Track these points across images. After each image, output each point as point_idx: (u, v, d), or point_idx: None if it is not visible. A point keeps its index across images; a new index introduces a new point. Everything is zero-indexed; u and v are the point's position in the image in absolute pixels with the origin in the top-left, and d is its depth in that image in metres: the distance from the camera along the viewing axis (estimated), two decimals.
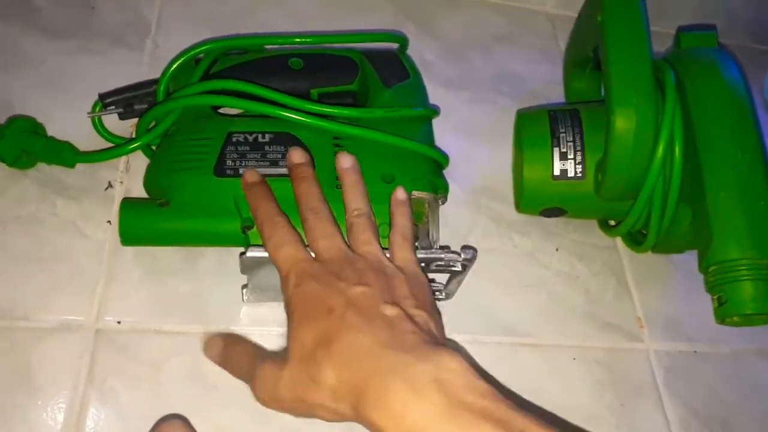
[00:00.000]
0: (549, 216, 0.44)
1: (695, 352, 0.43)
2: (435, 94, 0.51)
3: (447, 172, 0.46)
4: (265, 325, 0.39)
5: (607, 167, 0.39)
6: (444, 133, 0.49)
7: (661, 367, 0.42)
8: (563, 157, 0.41)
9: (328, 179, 0.38)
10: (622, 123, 0.37)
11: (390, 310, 0.31)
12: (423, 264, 0.36)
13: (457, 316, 0.41)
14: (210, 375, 0.37)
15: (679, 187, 0.39)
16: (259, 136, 0.39)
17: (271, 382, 0.31)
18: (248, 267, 0.36)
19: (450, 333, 0.41)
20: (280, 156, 0.39)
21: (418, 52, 0.54)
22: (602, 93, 0.49)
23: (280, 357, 0.32)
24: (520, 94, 0.53)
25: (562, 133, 0.42)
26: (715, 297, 0.36)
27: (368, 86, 0.43)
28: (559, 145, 0.42)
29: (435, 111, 0.44)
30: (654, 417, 0.40)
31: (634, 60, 0.38)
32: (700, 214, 0.37)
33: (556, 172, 0.42)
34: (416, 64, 0.50)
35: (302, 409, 0.31)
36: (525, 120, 0.44)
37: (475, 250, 0.37)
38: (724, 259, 0.35)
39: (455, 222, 0.46)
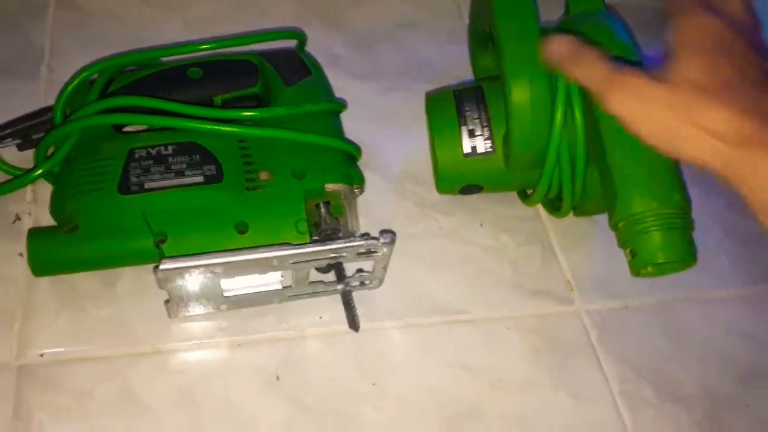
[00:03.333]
0: (468, 193, 0.45)
1: (626, 307, 0.44)
2: (347, 87, 0.51)
3: (367, 163, 0.46)
4: (195, 338, 0.38)
5: (511, 140, 0.39)
6: (360, 125, 0.49)
7: (594, 327, 0.43)
8: (471, 134, 0.42)
9: (237, 184, 0.38)
10: (518, 95, 0.38)
11: None
12: (345, 254, 0.36)
13: (389, 302, 0.41)
14: (142, 396, 0.36)
15: (584, 150, 0.40)
16: (162, 148, 0.38)
17: (640, 96, 0.31)
18: (165, 280, 0.35)
19: (383, 319, 0.41)
20: (185, 166, 0.38)
21: (326, 47, 0.54)
22: None
23: (653, 75, 0.31)
24: (433, 77, 0.53)
25: (468, 111, 0.42)
26: (627, 251, 0.37)
27: (270, 87, 0.43)
28: (466, 124, 0.42)
29: (340, 104, 0.44)
30: (592, 375, 0.41)
31: (522, 32, 0.38)
32: (603, 173, 0.38)
33: (466, 149, 0.42)
34: (325, 58, 0.50)
35: (665, 136, 0.31)
36: (432, 102, 0.44)
37: (393, 233, 0.37)
38: (630, 214, 0.36)
39: (379, 211, 0.46)
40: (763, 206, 0.29)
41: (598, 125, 0.38)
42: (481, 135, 0.42)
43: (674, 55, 0.32)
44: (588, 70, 0.34)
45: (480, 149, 0.42)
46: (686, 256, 0.36)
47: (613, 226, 0.37)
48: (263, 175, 0.38)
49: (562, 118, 0.39)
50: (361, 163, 0.45)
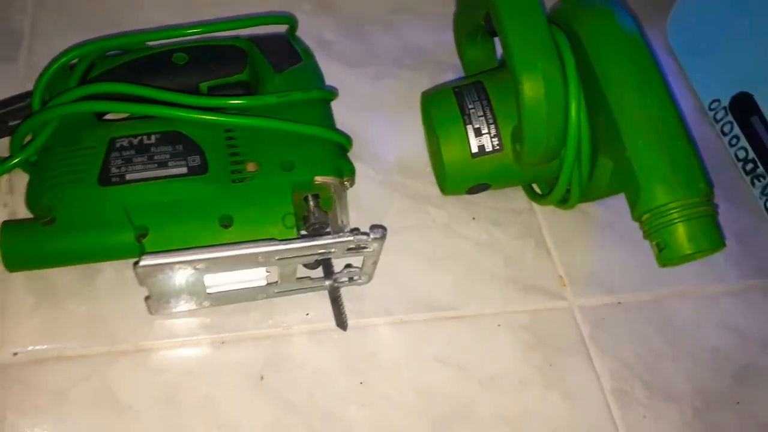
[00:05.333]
0: (475, 192, 0.44)
1: (619, 303, 0.43)
2: (337, 74, 0.50)
3: (358, 154, 0.45)
4: (177, 336, 0.37)
5: (524, 137, 0.38)
6: (350, 114, 0.48)
7: (587, 323, 0.42)
8: (478, 132, 0.40)
9: (222, 176, 0.36)
10: (531, 90, 0.36)
11: None
12: (334, 250, 0.35)
13: (380, 299, 0.40)
14: (121, 396, 0.35)
15: (589, 141, 0.39)
16: (145, 138, 0.37)
17: None
18: (146, 276, 0.34)
19: (371, 316, 0.40)
20: (168, 156, 0.37)
21: (317, 31, 0.52)
22: (498, 59, 0.49)
23: None
24: (425, 65, 0.52)
25: (471, 108, 0.41)
26: (654, 243, 0.36)
27: (259, 74, 0.41)
28: (471, 122, 0.41)
29: (331, 92, 0.43)
30: (584, 373, 0.40)
31: (530, 22, 0.37)
32: (622, 165, 0.37)
33: (474, 149, 0.41)
34: (316, 44, 0.49)
35: None
36: (431, 102, 0.43)
37: (384, 228, 0.36)
38: (655, 206, 0.35)
39: (370, 203, 0.45)
40: None
41: (613, 116, 0.36)
42: (487, 133, 0.40)
43: None
44: None
45: (488, 148, 0.41)
46: (715, 244, 0.35)
47: (637, 218, 0.36)
48: (250, 167, 0.37)
49: (577, 110, 0.37)
50: (352, 154, 0.44)
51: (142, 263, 0.33)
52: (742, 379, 0.42)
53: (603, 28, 0.38)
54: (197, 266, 0.33)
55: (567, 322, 0.42)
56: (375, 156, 0.47)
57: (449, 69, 0.52)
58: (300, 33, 0.48)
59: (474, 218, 0.45)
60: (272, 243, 0.34)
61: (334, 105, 0.45)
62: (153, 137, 0.37)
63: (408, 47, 0.53)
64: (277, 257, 0.34)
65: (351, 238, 0.35)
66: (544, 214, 0.46)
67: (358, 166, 0.45)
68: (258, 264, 0.35)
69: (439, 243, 0.44)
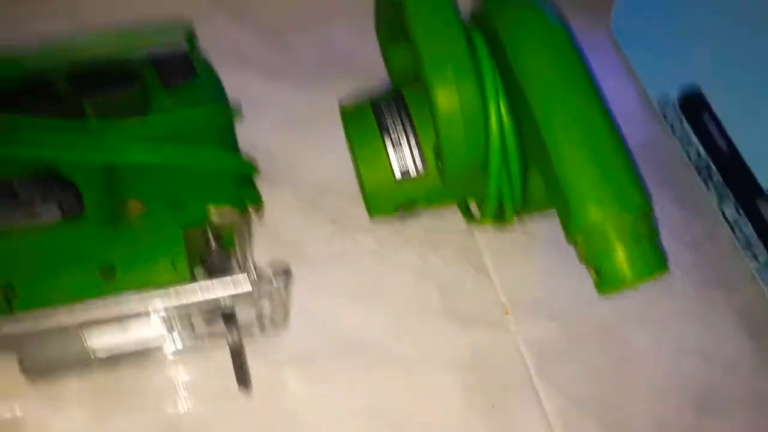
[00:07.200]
0: (403, 214, 0.39)
1: (566, 330, 0.39)
2: (255, 88, 0.46)
3: (274, 177, 0.41)
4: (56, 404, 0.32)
5: (443, 153, 0.34)
6: (268, 130, 0.44)
7: (533, 355, 0.38)
8: (398, 150, 0.36)
9: (100, 218, 0.31)
10: (444, 102, 0.32)
11: None
12: (226, 303, 0.31)
13: (296, 344, 0.36)
14: None
15: (518, 153, 0.35)
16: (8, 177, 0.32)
17: None
18: (10, 348, 0.29)
19: (288, 364, 0.35)
20: (36, 198, 0.31)
21: (233, 42, 0.48)
22: None
23: None
24: (350, 74, 0.48)
25: (390, 123, 0.37)
26: (590, 268, 0.32)
27: (148, 91, 0.36)
28: (391, 139, 0.36)
29: (228, 108, 0.38)
30: (531, 414, 0.36)
31: (440, 25, 0.33)
32: (550, 180, 0.33)
33: (397, 174, 0.37)
34: (231, 56, 0.44)
35: None
36: (348, 117, 0.38)
37: (288, 271, 0.31)
38: (587, 224, 0.31)
39: (289, 233, 0.40)
40: None
41: (538, 126, 0.32)
42: (409, 150, 0.36)
43: None
44: None
45: (412, 171, 0.36)
46: (657, 267, 0.32)
47: (571, 241, 0.32)
48: (132, 207, 0.32)
49: (498, 121, 0.33)
50: (268, 178, 0.39)
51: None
52: (705, 408, 0.38)
53: (523, 26, 0.34)
54: (66, 329, 0.29)
55: (511, 355, 0.38)
56: (294, 178, 0.43)
57: (377, 77, 0.48)
58: (212, 45, 0.43)
59: (406, 243, 0.41)
60: (146, 297, 0.29)
61: (251, 120, 0.41)
62: (15, 179, 0.32)
63: (331, 55, 0.49)
64: (161, 313, 0.29)
65: (249, 288, 0.30)
66: (483, 234, 0.42)
67: (275, 191, 0.41)
68: (142, 318, 0.30)
69: (367, 274, 0.40)
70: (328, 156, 0.43)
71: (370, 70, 0.48)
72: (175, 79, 0.36)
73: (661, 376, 0.39)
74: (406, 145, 0.36)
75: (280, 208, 0.41)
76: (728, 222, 0.45)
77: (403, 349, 0.37)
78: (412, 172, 0.36)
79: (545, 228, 0.42)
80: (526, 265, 0.42)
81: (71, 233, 0.31)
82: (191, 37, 0.40)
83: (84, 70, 0.37)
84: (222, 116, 0.37)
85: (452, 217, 0.42)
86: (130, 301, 0.30)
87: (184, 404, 0.34)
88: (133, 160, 0.33)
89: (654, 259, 0.31)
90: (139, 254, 0.31)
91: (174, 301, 0.30)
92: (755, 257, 0.43)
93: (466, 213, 0.42)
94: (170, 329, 0.31)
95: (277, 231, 0.40)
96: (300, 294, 0.37)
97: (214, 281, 0.30)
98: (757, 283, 0.42)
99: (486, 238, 0.42)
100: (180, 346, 0.33)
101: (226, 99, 0.39)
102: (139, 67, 0.37)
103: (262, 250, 0.39)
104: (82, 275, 0.31)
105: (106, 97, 0.37)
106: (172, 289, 0.30)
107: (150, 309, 0.30)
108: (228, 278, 0.30)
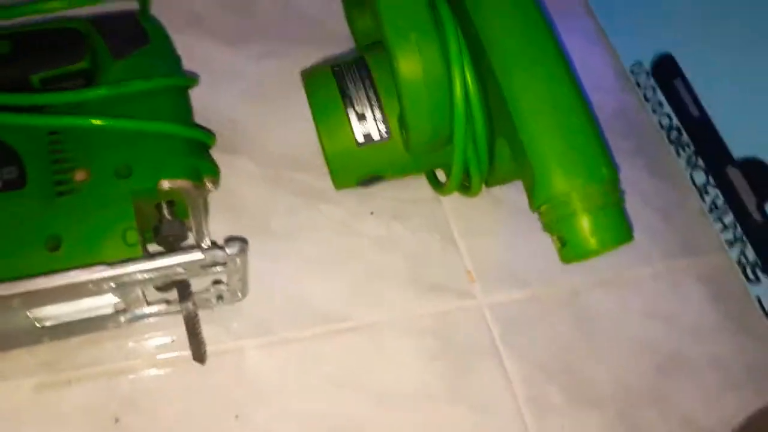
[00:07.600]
0: (368, 185, 0.38)
1: (532, 297, 0.39)
2: (213, 54, 0.44)
3: (237, 147, 0.40)
4: (7, 378, 0.32)
5: (407, 122, 0.33)
6: (229, 100, 0.42)
7: (498, 322, 0.38)
8: (361, 118, 0.35)
9: (44, 188, 0.30)
10: (407, 67, 0.31)
11: None
12: (181, 271, 0.30)
13: (256, 314, 0.35)
14: None
15: (485, 122, 0.34)
16: None
17: None
18: None
19: (246, 337, 0.35)
20: None
21: (188, 3, 0.46)
22: None
23: None
24: (318, 39, 0.46)
25: (353, 89, 0.36)
26: (554, 237, 0.31)
27: (98, 61, 0.35)
28: (353, 105, 0.35)
29: (187, 79, 0.36)
30: (495, 381, 0.36)
31: None
32: (516, 149, 0.32)
33: (359, 139, 0.35)
34: (184, 19, 0.43)
35: None
36: (308, 84, 0.37)
37: (243, 240, 0.30)
38: (552, 194, 0.30)
39: (253, 204, 0.39)
40: None
41: (502, 93, 0.32)
42: (372, 118, 0.35)
43: None
44: None
45: (375, 136, 0.35)
46: (622, 236, 0.31)
47: (535, 210, 0.32)
48: (79, 176, 0.31)
49: (462, 88, 0.32)
50: (231, 148, 0.38)
51: None
52: (667, 371, 0.38)
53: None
54: (11, 304, 0.28)
55: (476, 322, 0.38)
56: (258, 148, 0.41)
57: (344, 42, 0.46)
58: (166, 8, 0.41)
59: (372, 212, 0.40)
60: (99, 269, 0.28)
61: (210, 90, 0.40)
62: None
63: (297, 18, 0.47)
64: (110, 284, 0.28)
65: (200, 256, 0.29)
66: (451, 202, 0.41)
67: (238, 161, 0.40)
68: (91, 293, 0.29)
69: (332, 244, 0.39)
70: (294, 126, 0.42)
71: (337, 35, 0.46)
72: (126, 48, 0.35)
73: (625, 340, 0.39)
74: (370, 112, 0.35)
75: (244, 179, 0.40)
76: (697, 189, 0.44)
77: (366, 317, 0.37)
78: (375, 137, 0.35)
79: (513, 196, 0.41)
80: (493, 233, 0.41)
81: (13, 205, 0.30)
82: (143, 1, 0.39)
83: (25, 39, 0.36)
84: (175, 87, 0.35)
85: (420, 187, 0.41)
86: (62, 278, 0.28)
87: (137, 374, 0.33)
88: (77, 124, 0.31)
89: (619, 229, 0.31)
90: (86, 225, 0.30)
91: (120, 270, 0.29)
92: (723, 224, 0.43)
93: (433, 181, 0.41)
94: (122, 296, 0.30)
95: (240, 202, 0.39)
96: (262, 264, 0.36)
97: (176, 249, 0.29)
98: (723, 249, 0.42)
99: (454, 206, 0.41)
100: (133, 314, 0.32)
101: (181, 67, 0.38)
102: (86, 34, 0.36)
103: (224, 222, 0.38)
104: (26, 248, 0.30)
105: (54, 73, 0.35)
106: (114, 263, 0.29)
107: (96, 277, 0.29)
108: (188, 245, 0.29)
